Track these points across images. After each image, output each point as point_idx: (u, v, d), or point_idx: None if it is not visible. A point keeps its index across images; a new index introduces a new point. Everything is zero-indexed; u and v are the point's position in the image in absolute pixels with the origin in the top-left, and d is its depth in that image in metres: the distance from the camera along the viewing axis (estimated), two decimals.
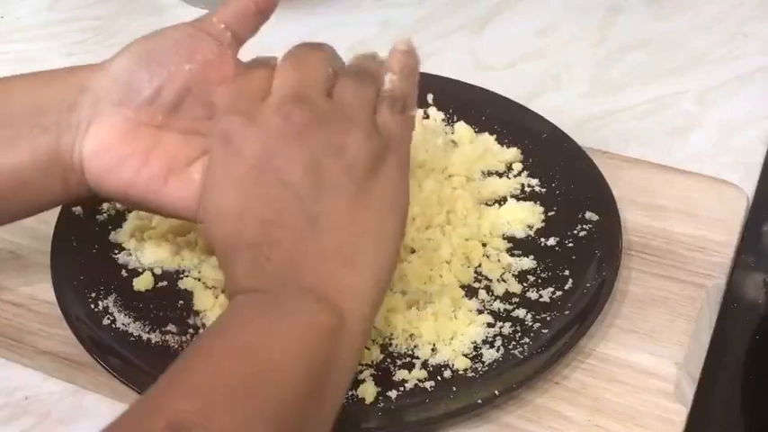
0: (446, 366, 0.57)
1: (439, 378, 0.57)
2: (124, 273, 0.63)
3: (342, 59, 0.56)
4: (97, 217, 0.66)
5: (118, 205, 0.66)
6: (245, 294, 0.49)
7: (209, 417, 0.42)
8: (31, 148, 0.55)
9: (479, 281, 0.62)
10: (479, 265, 0.63)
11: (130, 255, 0.64)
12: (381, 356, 0.58)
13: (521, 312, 0.60)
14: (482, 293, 0.61)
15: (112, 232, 0.65)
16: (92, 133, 0.55)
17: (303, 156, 0.50)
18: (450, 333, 0.59)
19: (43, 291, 0.61)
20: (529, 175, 0.69)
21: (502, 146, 0.72)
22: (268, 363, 0.45)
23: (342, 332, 0.47)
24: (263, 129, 0.51)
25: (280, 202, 0.50)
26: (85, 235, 0.64)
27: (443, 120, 0.74)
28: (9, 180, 0.55)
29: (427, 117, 0.74)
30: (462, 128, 0.72)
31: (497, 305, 0.61)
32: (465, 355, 0.58)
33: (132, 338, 0.58)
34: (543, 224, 0.66)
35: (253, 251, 0.49)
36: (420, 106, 0.74)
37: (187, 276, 0.62)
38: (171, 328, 0.59)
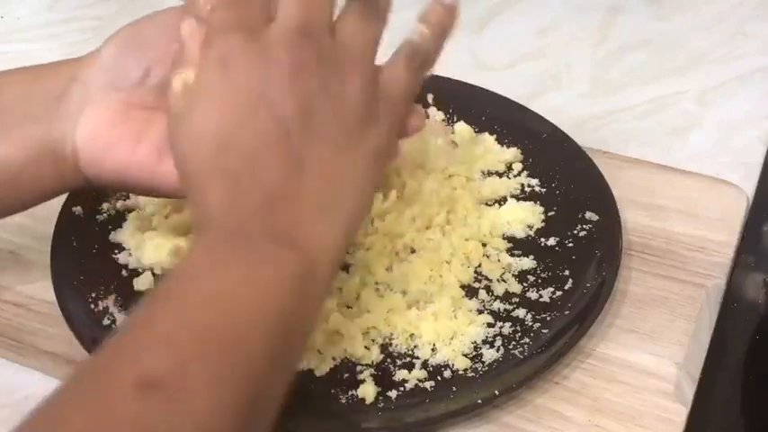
0: (446, 366, 0.57)
1: (439, 378, 0.57)
2: (124, 273, 0.63)
3: None
4: (97, 217, 0.66)
5: (118, 205, 0.66)
6: (215, 233, 0.47)
7: (182, 374, 0.39)
8: (22, 139, 0.54)
9: (479, 281, 0.62)
10: (479, 265, 0.63)
11: (130, 255, 0.64)
12: (381, 356, 0.58)
13: (521, 312, 0.60)
14: (482, 293, 0.61)
15: (112, 232, 0.65)
16: (83, 120, 0.54)
17: (299, 94, 0.48)
18: (450, 333, 0.59)
19: (43, 291, 0.61)
20: (529, 175, 0.69)
21: (502, 146, 0.72)
22: (242, 315, 0.43)
23: (311, 280, 0.46)
24: (264, 55, 0.49)
25: (268, 135, 0.48)
26: (85, 235, 0.64)
27: (443, 120, 0.74)
28: (1, 173, 0.54)
29: (427, 117, 0.74)
30: (462, 128, 0.72)
31: (497, 305, 0.61)
32: (465, 355, 0.58)
33: None
34: (543, 224, 0.66)
35: (231, 180, 0.47)
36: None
37: None
38: None
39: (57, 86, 0.55)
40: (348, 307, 0.60)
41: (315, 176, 0.48)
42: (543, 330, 0.59)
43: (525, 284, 0.62)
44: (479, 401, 0.54)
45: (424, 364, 0.57)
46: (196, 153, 0.49)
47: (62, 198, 0.66)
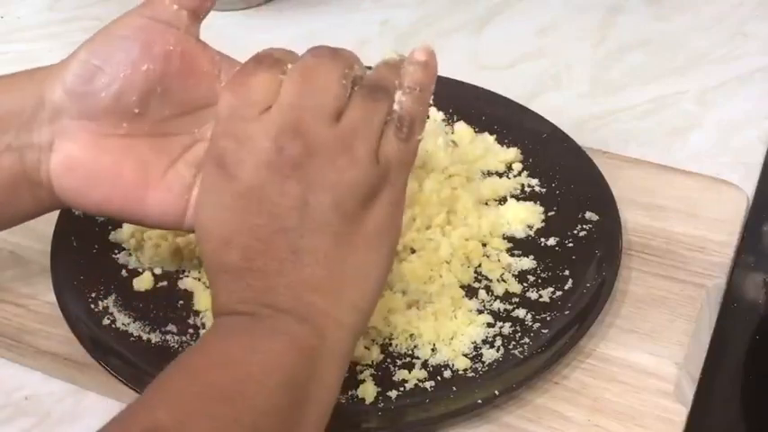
0: (446, 366, 0.57)
1: (439, 378, 0.57)
2: (124, 273, 0.63)
3: (363, 66, 0.53)
4: (97, 217, 0.66)
5: None
6: (228, 315, 0.49)
7: (184, 423, 0.42)
8: None
9: (479, 281, 0.62)
10: (479, 265, 0.63)
11: (130, 255, 0.64)
12: (381, 356, 0.58)
13: (521, 312, 0.60)
14: (482, 293, 0.61)
15: (112, 232, 0.65)
16: (56, 152, 0.52)
17: (292, 190, 0.49)
18: (450, 333, 0.59)
19: (43, 291, 0.61)
20: (529, 175, 0.69)
21: (502, 146, 0.72)
22: (246, 374, 0.45)
23: (322, 350, 0.47)
24: (255, 157, 0.49)
25: (265, 232, 0.49)
26: (85, 235, 0.64)
27: (443, 120, 0.74)
28: None
29: (427, 117, 0.74)
30: (462, 128, 0.72)
31: (497, 305, 0.61)
32: (465, 355, 0.58)
33: (132, 338, 0.58)
34: (543, 224, 0.66)
35: (235, 276, 0.49)
36: None
37: (187, 276, 0.62)
38: (171, 328, 0.59)
39: (25, 110, 0.52)
40: None
41: (313, 265, 0.49)
42: (543, 330, 0.59)
43: (525, 284, 0.62)
44: (479, 401, 0.54)
45: (424, 364, 0.57)
46: (207, 248, 0.50)
47: None
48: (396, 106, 0.51)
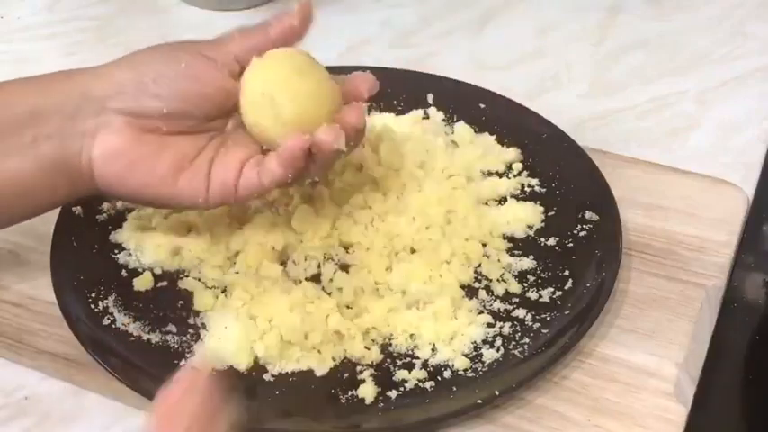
0: (446, 366, 0.57)
1: (439, 378, 0.57)
2: (124, 273, 0.63)
3: None
4: (97, 217, 0.66)
5: (118, 205, 0.66)
6: None
7: None
8: (35, 155, 0.56)
9: (479, 281, 0.62)
10: (479, 265, 0.63)
11: (130, 255, 0.64)
12: (381, 356, 0.58)
13: (521, 312, 0.60)
14: (482, 293, 0.61)
15: (112, 232, 0.65)
16: (100, 141, 0.56)
17: None
18: (450, 333, 0.59)
19: (43, 291, 0.61)
20: (529, 175, 0.69)
21: (502, 146, 0.72)
22: None
23: None
24: None
25: None
26: (85, 235, 0.64)
27: (443, 120, 0.74)
28: (13, 185, 0.56)
29: (427, 117, 0.74)
30: (462, 128, 0.72)
31: (497, 305, 0.61)
32: (465, 355, 0.58)
33: (132, 338, 0.58)
34: (543, 224, 0.66)
35: None
36: (420, 106, 0.75)
37: (187, 276, 0.62)
38: (171, 328, 0.59)
39: (68, 103, 0.56)
40: (348, 307, 0.60)
41: None
42: (543, 330, 0.59)
43: (525, 284, 0.62)
44: (479, 401, 0.54)
45: (424, 364, 0.57)
46: None
47: None
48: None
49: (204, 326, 0.59)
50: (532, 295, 0.61)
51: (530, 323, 0.59)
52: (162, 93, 0.57)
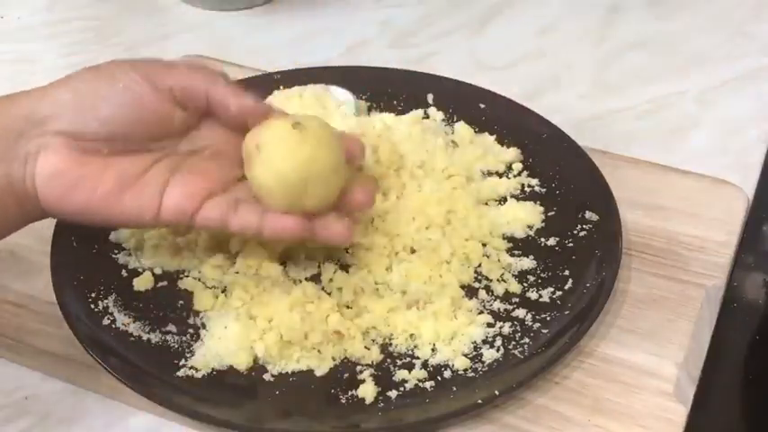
0: (446, 366, 0.57)
1: (439, 378, 0.57)
2: (124, 273, 0.63)
3: None
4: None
5: None
6: None
7: None
8: None
9: (479, 281, 0.62)
10: (479, 265, 0.63)
11: (130, 255, 0.64)
12: (381, 356, 0.58)
13: (521, 312, 0.60)
14: (482, 293, 0.61)
15: (112, 232, 0.65)
16: (41, 162, 0.55)
17: None
18: (450, 333, 0.59)
19: (43, 291, 0.61)
20: (529, 175, 0.69)
21: (502, 146, 0.72)
22: None
23: None
24: None
25: None
26: (85, 235, 0.64)
27: (443, 120, 0.74)
28: None
29: (427, 117, 0.74)
30: (462, 128, 0.72)
31: (497, 305, 0.61)
32: (465, 355, 0.58)
33: (132, 338, 0.58)
34: (543, 224, 0.66)
35: None
36: (420, 106, 0.75)
37: (187, 276, 0.62)
38: (171, 328, 0.59)
39: (12, 126, 0.55)
40: (348, 307, 0.60)
41: None
42: (543, 330, 0.59)
43: (525, 284, 0.62)
44: (479, 401, 0.54)
45: (424, 364, 0.57)
46: None
47: None
48: None
49: (204, 326, 0.59)
50: (532, 295, 0.61)
51: (530, 323, 0.59)
52: (99, 115, 0.56)
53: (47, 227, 0.64)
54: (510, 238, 0.65)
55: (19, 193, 0.55)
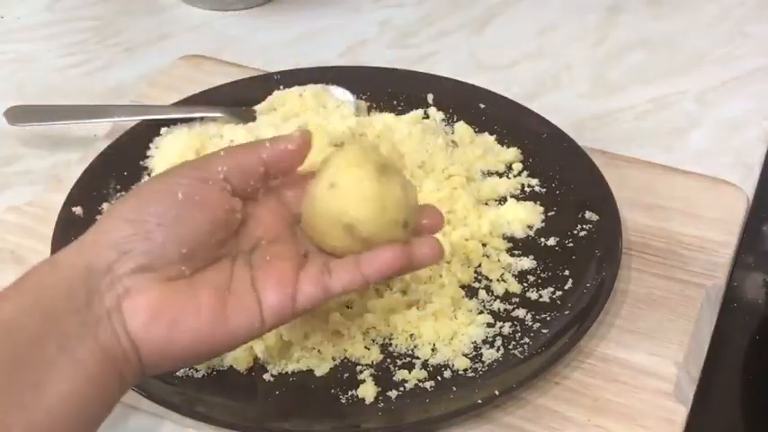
0: (446, 366, 0.57)
1: (439, 378, 0.57)
2: None
3: None
4: (97, 217, 0.66)
5: None
6: None
7: None
8: (73, 365, 0.46)
9: (479, 281, 0.62)
10: (479, 265, 0.63)
11: None
12: (381, 356, 0.58)
13: (521, 312, 0.60)
14: (482, 293, 0.61)
15: None
16: (130, 309, 0.48)
17: None
18: (450, 333, 0.59)
19: None
20: (529, 175, 0.69)
21: (502, 146, 0.72)
22: None
23: None
24: None
25: None
26: None
27: (443, 120, 0.74)
28: (68, 408, 0.46)
29: (427, 117, 0.74)
30: (462, 128, 0.72)
31: (497, 305, 0.61)
32: (465, 355, 0.58)
33: None
34: (543, 224, 0.66)
35: None
36: (420, 106, 0.75)
37: None
38: None
39: (73, 294, 0.48)
40: (348, 307, 0.60)
41: None
42: (543, 330, 0.59)
43: (525, 284, 0.62)
44: (479, 401, 0.54)
45: (424, 364, 0.57)
46: None
47: (62, 198, 0.66)
48: None
49: None
50: (532, 295, 0.61)
51: (530, 323, 0.59)
52: (171, 233, 0.49)
53: (47, 227, 0.64)
54: (510, 238, 0.65)
55: (118, 360, 0.48)
